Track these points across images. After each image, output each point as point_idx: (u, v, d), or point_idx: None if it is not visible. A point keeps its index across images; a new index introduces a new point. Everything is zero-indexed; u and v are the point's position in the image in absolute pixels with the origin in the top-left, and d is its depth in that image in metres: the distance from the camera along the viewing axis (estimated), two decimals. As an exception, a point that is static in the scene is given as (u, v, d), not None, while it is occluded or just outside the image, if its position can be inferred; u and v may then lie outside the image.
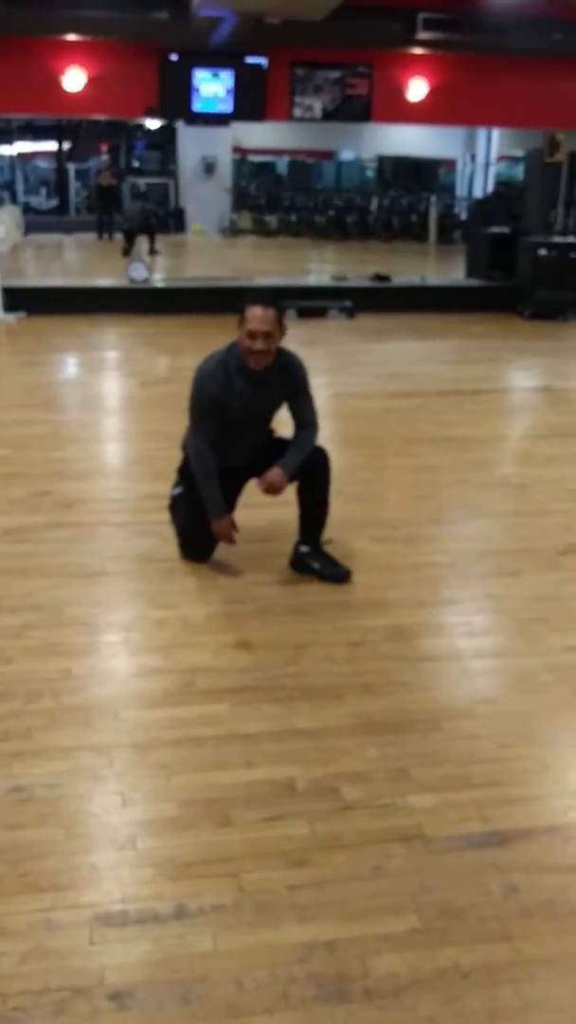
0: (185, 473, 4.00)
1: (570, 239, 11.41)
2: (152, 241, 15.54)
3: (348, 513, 4.49)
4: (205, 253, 18.38)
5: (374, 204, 23.00)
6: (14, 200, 22.94)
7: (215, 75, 11.05)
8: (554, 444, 6.11)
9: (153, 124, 22.74)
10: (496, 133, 22.37)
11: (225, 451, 3.81)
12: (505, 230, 12.10)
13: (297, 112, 11.45)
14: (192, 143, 20.59)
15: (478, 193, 22.38)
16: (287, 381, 3.84)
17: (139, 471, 5.34)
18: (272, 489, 3.77)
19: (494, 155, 23.40)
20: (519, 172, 20.29)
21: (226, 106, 11.23)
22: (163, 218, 20.61)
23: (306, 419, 3.87)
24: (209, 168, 20.67)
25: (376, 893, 2.24)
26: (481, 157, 23.66)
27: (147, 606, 3.68)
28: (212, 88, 11.12)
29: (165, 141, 24.16)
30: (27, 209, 22.30)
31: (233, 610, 3.67)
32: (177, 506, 4.07)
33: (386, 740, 2.84)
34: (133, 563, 4.08)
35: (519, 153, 19.43)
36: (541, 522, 4.67)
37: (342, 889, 2.25)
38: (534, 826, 2.48)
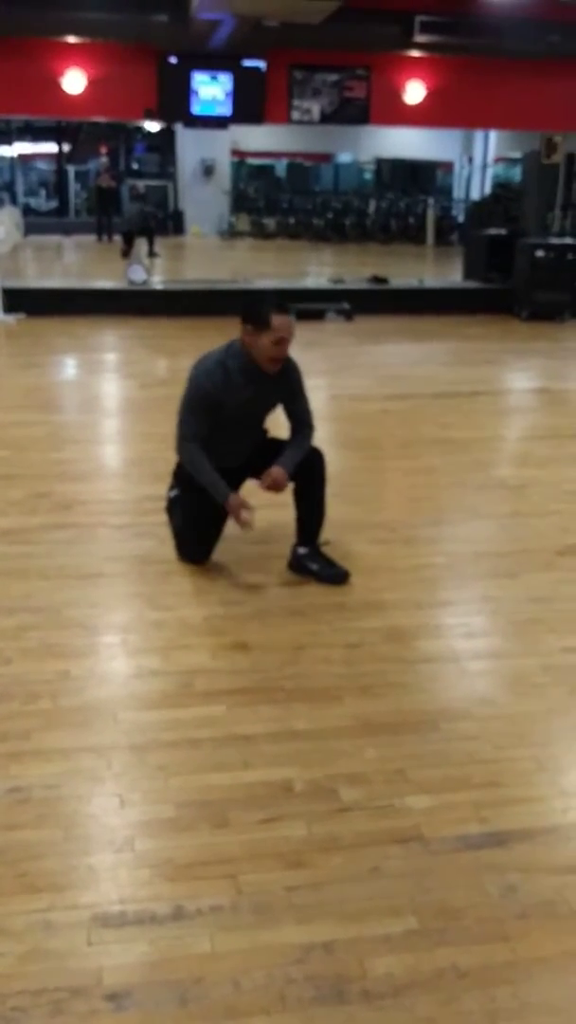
0: (180, 476, 4.00)
1: (567, 241, 11.41)
2: (151, 243, 15.56)
3: (346, 515, 4.50)
4: (204, 255, 18.40)
5: (372, 206, 23.04)
6: (14, 201, 22.96)
7: (214, 78, 11.05)
8: (551, 445, 6.12)
9: (152, 126, 22.78)
10: (493, 135, 22.42)
11: (220, 451, 3.82)
12: (502, 232, 12.13)
13: (295, 115, 11.45)
14: (191, 146, 20.62)
15: (475, 195, 22.42)
16: (284, 382, 3.86)
17: (137, 473, 5.34)
18: (275, 486, 3.76)
19: (491, 157, 23.45)
20: (516, 174, 20.33)
21: (225, 109, 11.22)
22: (162, 220, 20.65)
23: (302, 419, 3.89)
24: (208, 170, 20.71)
25: (374, 894, 2.24)
26: (478, 159, 23.70)
27: (145, 608, 3.69)
28: (211, 91, 11.12)
29: (164, 143, 24.21)
30: (27, 210, 22.30)
31: (231, 612, 3.67)
32: (174, 508, 4.08)
33: (384, 741, 2.84)
34: (131, 565, 4.08)
35: (516, 155, 19.47)
36: (538, 523, 4.68)
37: (340, 890, 2.25)
38: (532, 827, 2.49)
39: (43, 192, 26.13)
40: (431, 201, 22.58)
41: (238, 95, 11.10)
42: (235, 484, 4.03)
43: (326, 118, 11.55)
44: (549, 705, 3.08)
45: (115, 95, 11.09)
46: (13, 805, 2.52)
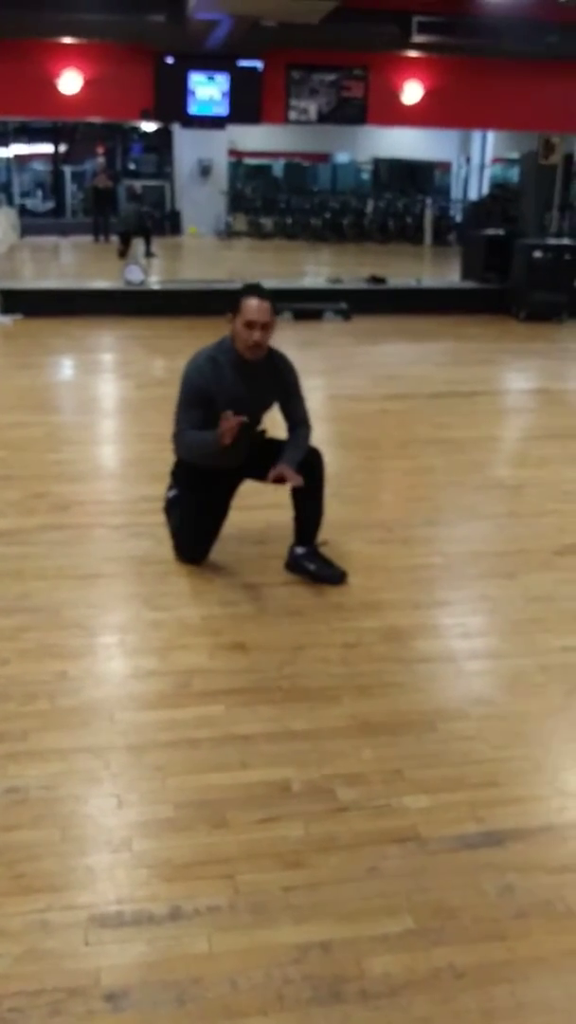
0: (179, 475, 4.00)
1: (565, 241, 11.42)
2: (148, 243, 15.54)
3: (343, 515, 4.50)
4: (201, 255, 18.39)
5: (370, 207, 23.01)
6: (10, 202, 22.94)
7: (211, 78, 11.06)
8: (549, 445, 6.12)
9: (149, 127, 22.78)
10: (491, 136, 22.42)
11: (220, 454, 3.81)
12: (500, 232, 12.12)
13: (292, 115, 11.46)
14: (188, 146, 20.59)
15: (473, 195, 22.43)
16: (278, 381, 3.86)
17: (135, 473, 5.34)
18: (287, 475, 3.65)
19: (489, 158, 23.45)
20: (514, 175, 20.36)
21: (222, 109, 11.23)
22: (159, 220, 20.62)
23: (299, 418, 3.90)
24: (205, 171, 20.68)
25: (371, 894, 2.24)
26: (476, 159, 23.70)
27: (143, 608, 3.69)
28: (208, 91, 11.12)
29: (161, 144, 24.18)
30: (23, 211, 22.32)
31: (229, 612, 3.67)
32: (172, 508, 4.08)
33: (381, 741, 2.84)
34: (129, 565, 4.08)
35: (514, 156, 19.50)
36: (536, 523, 4.68)
37: (337, 890, 2.25)
38: (529, 826, 2.49)
39: (40, 193, 26.10)
40: (429, 201, 22.55)
41: (235, 95, 11.11)
42: (234, 486, 4.03)
43: (323, 118, 11.56)
44: (547, 705, 3.09)
45: (112, 95, 11.09)
46: (10, 806, 2.52)
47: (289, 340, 8.63)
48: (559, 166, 12.05)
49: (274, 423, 4.04)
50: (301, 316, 10.50)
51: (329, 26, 9.45)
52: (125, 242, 15.25)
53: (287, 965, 2.04)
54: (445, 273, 14.81)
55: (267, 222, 22.35)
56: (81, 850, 2.37)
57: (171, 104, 11.11)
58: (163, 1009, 1.93)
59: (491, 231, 12.34)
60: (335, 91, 11.42)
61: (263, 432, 4.01)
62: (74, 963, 2.03)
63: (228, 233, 21.38)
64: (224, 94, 11.14)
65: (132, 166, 25.86)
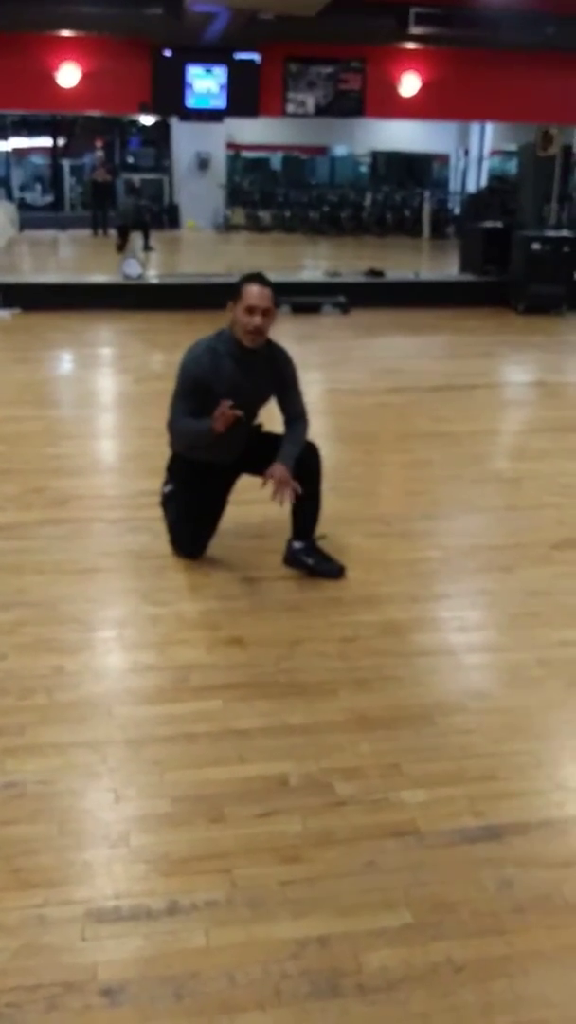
0: (174, 471, 3.99)
1: (563, 233, 11.39)
2: (146, 237, 15.51)
3: (341, 509, 4.49)
4: (199, 249, 18.36)
5: (368, 199, 22.98)
6: (9, 196, 22.87)
7: (208, 71, 11.03)
8: (547, 438, 6.11)
9: (148, 120, 22.71)
10: (489, 128, 22.34)
11: (213, 446, 3.80)
12: (498, 225, 12.09)
13: (290, 108, 11.44)
14: (186, 139, 20.55)
15: (472, 188, 22.35)
16: (276, 373, 3.85)
17: (133, 467, 5.33)
18: (284, 484, 3.63)
19: (487, 150, 23.37)
20: (512, 167, 20.31)
21: (219, 102, 11.21)
22: (157, 214, 20.58)
23: (296, 412, 3.89)
24: (203, 164, 20.65)
25: (369, 888, 2.24)
26: (474, 152, 23.62)
27: (141, 602, 3.68)
28: (205, 84, 11.10)
29: (159, 137, 24.11)
30: (22, 205, 22.22)
31: (226, 606, 3.67)
32: (168, 503, 4.07)
33: (379, 735, 2.84)
34: (127, 559, 4.07)
35: (512, 148, 19.42)
36: (534, 517, 4.68)
37: (335, 884, 2.25)
38: (528, 820, 2.49)
39: (38, 187, 26.03)
40: (427, 194, 22.52)
41: (232, 88, 11.09)
42: (230, 481, 4.02)
43: (321, 111, 11.54)
44: (545, 699, 3.08)
45: (110, 89, 11.08)
46: (8, 800, 2.52)
47: (287, 333, 8.62)
48: (557, 158, 12.02)
49: (271, 419, 4.03)
50: (299, 309, 10.48)
51: (326, 19, 9.45)
52: (123, 236, 15.20)
53: (285, 960, 2.03)
54: (444, 266, 14.78)
55: (265, 215, 22.31)
56: (78, 845, 2.37)
57: (169, 97, 11.09)
58: (160, 1004, 1.93)
59: (490, 223, 12.32)
60: (333, 84, 11.40)
61: (260, 426, 4.00)
62: (71, 958, 2.03)
63: (226, 227, 21.34)
64: (222, 87, 11.12)
65: (130, 160, 25.77)
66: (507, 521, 4.65)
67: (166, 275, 12.69)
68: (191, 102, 11.19)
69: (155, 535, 4.20)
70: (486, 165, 23.39)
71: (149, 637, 3.42)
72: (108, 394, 7.63)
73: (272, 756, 2.73)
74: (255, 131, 20.43)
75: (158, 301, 10.75)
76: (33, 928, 2.10)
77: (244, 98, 11.17)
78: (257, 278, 3.73)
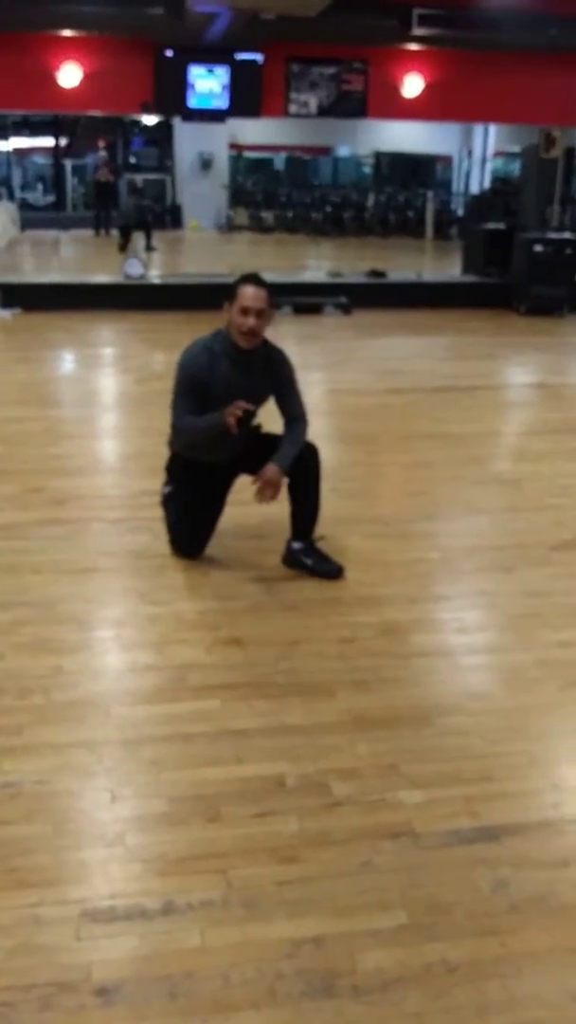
0: (174, 471, 4.00)
1: (566, 235, 11.39)
2: (148, 237, 15.52)
3: (341, 509, 4.49)
4: (201, 249, 18.37)
5: (371, 200, 23.00)
6: (11, 196, 22.92)
7: (210, 71, 11.02)
8: (548, 440, 6.11)
9: (150, 120, 22.73)
10: (492, 129, 22.34)
11: (211, 445, 3.81)
12: (501, 226, 12.09)
13: (293, 108, 11.42)
14: (189, 139, 20.57)
15: (474, 189, 22.35)
16: (273, 374, 3.85)
17: (133, 467, 5.34)
18: (271, 485, 3.69)
19: (490, 151, 23.38)
20: (515, 168, 20.29)
21: (221, 102, 11.20)
22: (160, 214, 20.60)
23: (295, 412, 3.88)
24: (206, 164, 20.66)
25: (365, 889, 2.24)
26: (478, 153, 23.62)
27: (139, 602, 3.68)
28: (207, 84, 11.09)
29: (162, 137, 24.14)
30: (24, 205, 22.30)
31: (225, 606, 3.67)
32: (168, 503, 4.07)
33: (376, 736, 2.84)
34: (126, 559, 4.07)
35: (515, 149, 19.43)
36: (534, 518, 4.67)
37: (331, 885, 2.25)
38: (524, 821, 2.48)
39: (40, 186, 26.07)
40: (430, 195, 22.52)
41: (235, 88, 11.08)
42: (229, 480, 4.02)
43: (323, 111, 11.53)
44: (543, 700, 3.08)
45: (111, 89, 11.06)
46: (4, 800, 2.52)
47: (289, 334, 8.63)
48: (560, 160, 12.02)
49: (271, 419, 4.02)
50: (301, 310, 10.48)
51: (328, 19, 9.42)
52: (125, 236, 15.21)
53: (280, 960, 2.03)
54: (446, 267, 14.78)
55: (268, 216, 22.32)
56: (75, 844, 2.37)
57: (171, 97, 11.08)
58: (155, 1003, 1.93)
59: (492, 225, 12.32)
60: (335, 84, 11.38)
61: (258, 427, 4.00)
62: (66, 957, 2.03)
63: (229, 227, 21.35)
64: (224, 87, 11.10)
65: (133, 160, 25.80)
66: (507, 522, 4.64)
67: (168, 275, 12.70)
68: (193, 102, 11.18)
69: (155, 535, 4.20)
70: (489, 166, 23.40)
71: (147, 637, 3.42)
72: (109, 394, 7.63)
73: (269, 756, 2.72)
74: (258, 131, 20.45)
75: (160, 301, 10.75)
76: (28, 927, 2.10)
77: (246, 98, 11.16)
78: (252, 279, 3.74)
